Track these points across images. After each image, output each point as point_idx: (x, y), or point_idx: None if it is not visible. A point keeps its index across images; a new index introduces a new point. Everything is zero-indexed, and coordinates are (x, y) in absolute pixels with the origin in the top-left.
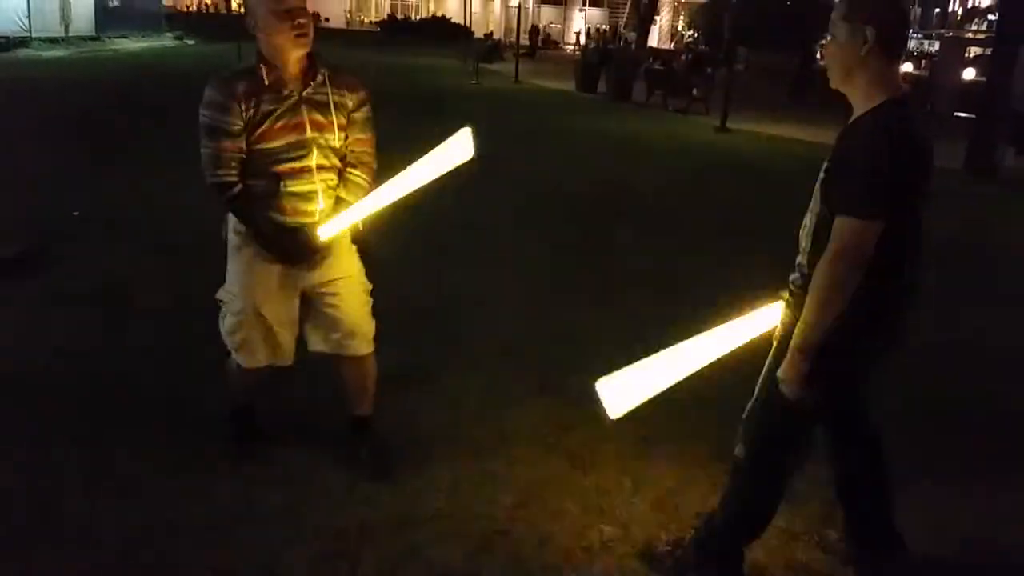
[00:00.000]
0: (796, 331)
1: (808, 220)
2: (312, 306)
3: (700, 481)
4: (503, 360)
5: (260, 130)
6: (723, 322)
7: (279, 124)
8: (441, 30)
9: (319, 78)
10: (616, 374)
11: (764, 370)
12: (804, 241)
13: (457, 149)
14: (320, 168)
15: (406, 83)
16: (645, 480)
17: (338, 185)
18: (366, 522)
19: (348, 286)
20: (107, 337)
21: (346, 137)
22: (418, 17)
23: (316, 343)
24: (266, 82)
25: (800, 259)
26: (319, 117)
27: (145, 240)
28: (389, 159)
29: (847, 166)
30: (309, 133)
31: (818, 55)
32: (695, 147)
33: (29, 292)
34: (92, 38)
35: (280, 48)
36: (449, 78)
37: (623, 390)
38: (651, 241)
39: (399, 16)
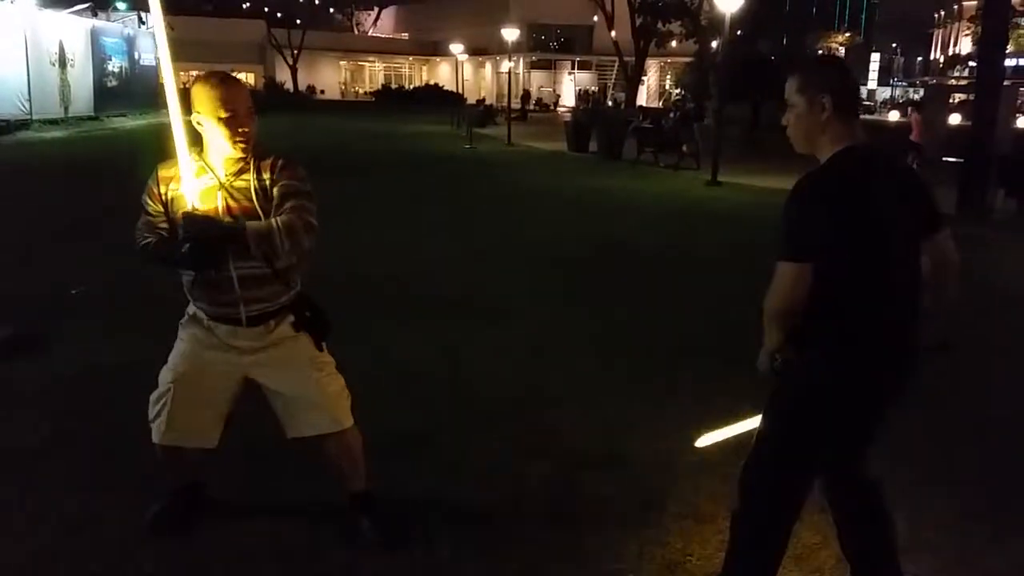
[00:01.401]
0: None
1: None
2: (272, 396)
3: (709, 541)
4: (503, 422)
5: (177, 215)
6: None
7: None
8: (434, 98)
9: (245, 166)
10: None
11: (759, 426)
12: None
13: None
14: (235, 254)
15: (403, 150)
16: (652, 542)
17: (265, 273)
18: None
19: (299, 371)
20: (104, 417)
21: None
22: (411, 86)
23: (291, 430)
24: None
25: None
26: (236, 203)
27: (143, 318)
28: (396, 216)
29: (784, 213)
30: (225, 219)
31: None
32: (688, 202)
33: (27, 373)
34: (91, 118)
35: (219, 146)
36: (444, 143)
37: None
38: (651, 298)
39: (392, 86)
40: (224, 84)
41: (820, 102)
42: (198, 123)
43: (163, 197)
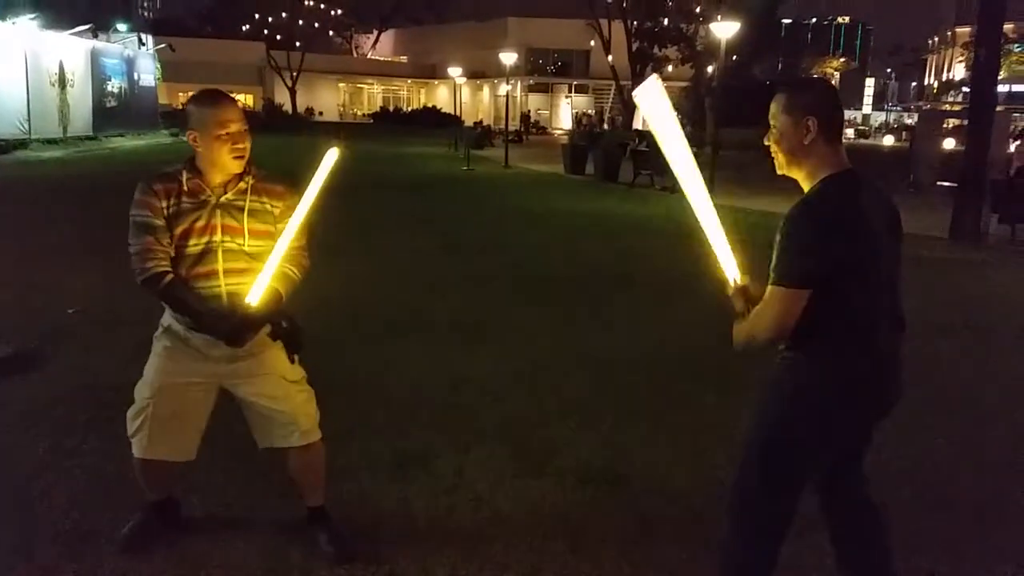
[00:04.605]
0: (745, 323)
1: None
2: (246, 407)
3: (703, 564)
4: (499, 441)
5: (174, 232)
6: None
7: (190, 226)
8: (432, 120)
9: (241, 185)
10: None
11: (746, 439)
12: None
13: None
14: (228, 272)
15: (401, 171)
16: (645, 564)
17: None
18: None
19: (273, 382)
20: (100, 437)
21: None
22: (409, 108)
23: (262, 440)
24: (185, 187)
25: None
26: (231, 222)
27: (141, 337)
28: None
29: (780, 239)
30: (218, 237)
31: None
32: (681, 224)
33: (22, 392)
34: (89, 138)
35: (216, 163)
36: (441, 165)
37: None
38: (647, 318)
39: (391, 108)
40: (219, 102)
41: (805, 123)
42: (193, 141)
43: (166, 211)
